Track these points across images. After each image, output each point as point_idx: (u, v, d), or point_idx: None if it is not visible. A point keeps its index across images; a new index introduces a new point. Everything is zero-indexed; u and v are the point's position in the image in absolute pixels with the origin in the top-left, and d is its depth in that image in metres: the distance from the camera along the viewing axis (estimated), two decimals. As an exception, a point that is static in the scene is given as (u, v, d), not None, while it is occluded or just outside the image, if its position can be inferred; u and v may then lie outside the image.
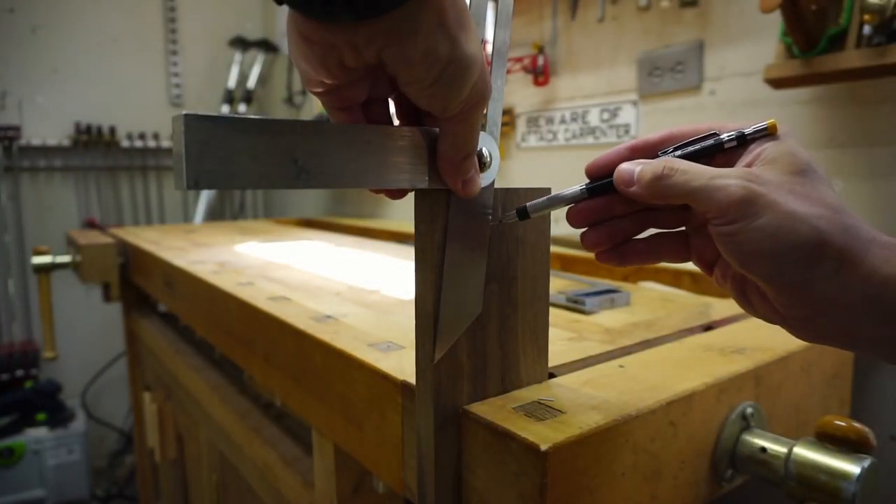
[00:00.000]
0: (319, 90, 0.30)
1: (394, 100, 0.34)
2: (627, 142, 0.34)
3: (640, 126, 1.12)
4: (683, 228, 0.35)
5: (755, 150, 0.31)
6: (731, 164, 0.32)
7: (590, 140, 1.21)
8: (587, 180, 0.35)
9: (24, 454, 1.88)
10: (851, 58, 0.71)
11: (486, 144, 0.34)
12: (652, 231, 0.36)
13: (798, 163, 0.29)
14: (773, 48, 0.83)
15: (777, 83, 0.82)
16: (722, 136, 0.32)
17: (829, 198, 0.29)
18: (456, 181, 0.33)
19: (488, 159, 0.34)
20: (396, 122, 0.34)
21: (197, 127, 0.23)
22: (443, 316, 0.35)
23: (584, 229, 0.35)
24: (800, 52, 0.77)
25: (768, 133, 0.31)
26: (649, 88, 1.10)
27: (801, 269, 0.27)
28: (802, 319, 0.29)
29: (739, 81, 0.97)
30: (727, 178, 0.29)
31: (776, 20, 0.81)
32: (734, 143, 0.32)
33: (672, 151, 0.33)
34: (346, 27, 0.26)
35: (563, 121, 1.27)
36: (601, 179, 0.34)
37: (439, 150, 0.32)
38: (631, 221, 0.35)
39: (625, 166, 0.32)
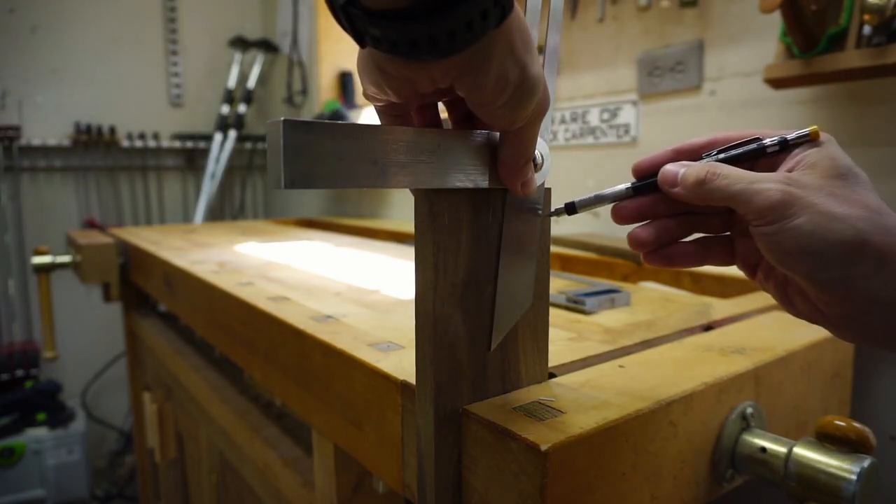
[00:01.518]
0: (380, 105, 0.32)
1: (446, 104, 0.36)
2: (672, 145, 0.36)
3: (639, 126, 1.12)
4: (728, 233, 0.37)
5: (797, 156, 0.32)
6: (773, 169, 0.33)
7: (589, 140, 1.21)
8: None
9: (24, 454, 1.88)
10: (851, 58, 0.71)
11: (539, 147, 0.36)
12: (698, 235, 0.37)
13: (838, 167, 0.31)
14: (773, 48, 0.83)
15: (777, 83, 0.82)
16: (765, 141, 0.33)
17: (870, 200, 0.29)
18: (516, 183, 0.35)
19: (541, 160, 0.37)
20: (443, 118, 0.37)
21: (293, 132, 0.26)
22: (498, 307, 0.37)
23: (632, 230, 0.36)
24: (800, 52, 0.77)
25: (810, 139, 0.33)
26: (649, 88, 1.10)
27: (840, 267, 0.28)
28: (845, 318, 0.30)
29: (739, 81, 0.97)
30: (766, 182, 0.30)
31: (776, 20, 0.81)
32: (776, 148, 0.33)
33: (716, 154, 0.34)
34: (425, 63, 0.27)
35: (562, 121, 1.27)
36: (647, 179, 0.35)
37: (501, 155, 0.34)
38: (677, 223, 0.36)
39: (669, 167, 0.34)
